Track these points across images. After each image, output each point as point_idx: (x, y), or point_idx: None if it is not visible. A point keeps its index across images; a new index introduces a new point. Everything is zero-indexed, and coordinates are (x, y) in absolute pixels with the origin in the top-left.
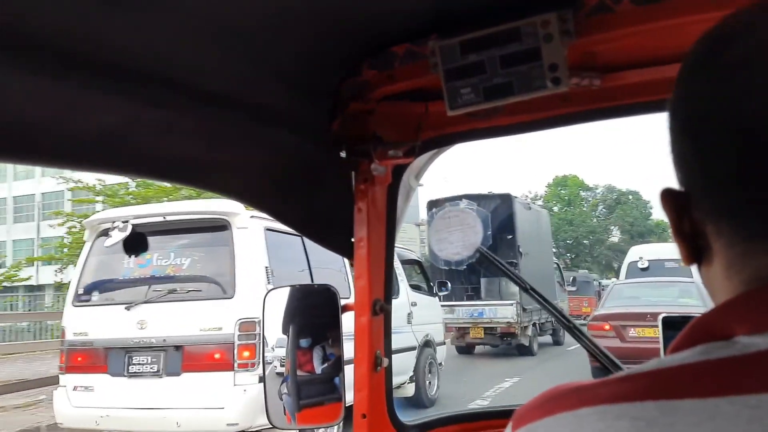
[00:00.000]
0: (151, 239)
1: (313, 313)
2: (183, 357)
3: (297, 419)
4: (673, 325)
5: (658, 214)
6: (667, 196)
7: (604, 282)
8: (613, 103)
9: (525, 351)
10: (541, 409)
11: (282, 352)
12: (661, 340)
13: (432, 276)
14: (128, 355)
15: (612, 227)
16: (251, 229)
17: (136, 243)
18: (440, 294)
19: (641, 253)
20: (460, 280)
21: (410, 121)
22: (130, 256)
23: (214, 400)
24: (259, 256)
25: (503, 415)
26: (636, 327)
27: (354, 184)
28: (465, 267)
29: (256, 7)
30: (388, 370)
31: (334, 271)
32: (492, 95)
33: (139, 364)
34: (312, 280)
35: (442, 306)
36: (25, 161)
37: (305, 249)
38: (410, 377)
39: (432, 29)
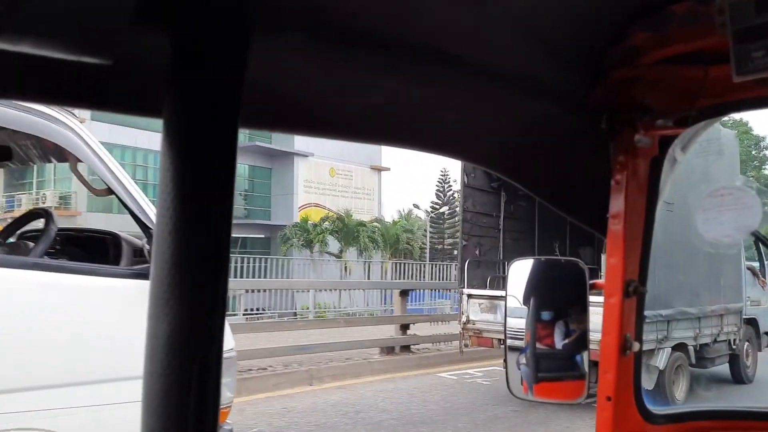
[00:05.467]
0: None
1: (557, 287)
2: None
3: (534, 391)
4: None
5: None
6: None
7: None
8: None
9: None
10: None
11: (517, 322)
12: None
13: None
14: None
15: None
16: None
17: None
18: None
19: None
20: None
21: (684, 87)
22: None
23: None
24: None
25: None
26: None
27: (612, 156)
28: None
29: None
30: (638, 356)
31: None
32: None
33: None
34: None
35: None
36: (301, 132)
37: None
38: None
39: None
